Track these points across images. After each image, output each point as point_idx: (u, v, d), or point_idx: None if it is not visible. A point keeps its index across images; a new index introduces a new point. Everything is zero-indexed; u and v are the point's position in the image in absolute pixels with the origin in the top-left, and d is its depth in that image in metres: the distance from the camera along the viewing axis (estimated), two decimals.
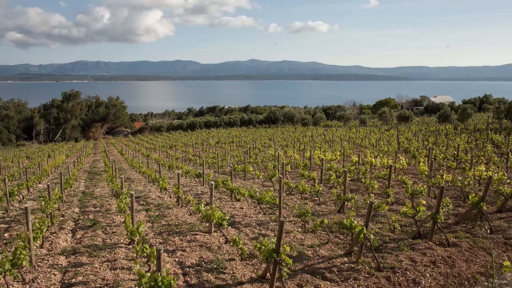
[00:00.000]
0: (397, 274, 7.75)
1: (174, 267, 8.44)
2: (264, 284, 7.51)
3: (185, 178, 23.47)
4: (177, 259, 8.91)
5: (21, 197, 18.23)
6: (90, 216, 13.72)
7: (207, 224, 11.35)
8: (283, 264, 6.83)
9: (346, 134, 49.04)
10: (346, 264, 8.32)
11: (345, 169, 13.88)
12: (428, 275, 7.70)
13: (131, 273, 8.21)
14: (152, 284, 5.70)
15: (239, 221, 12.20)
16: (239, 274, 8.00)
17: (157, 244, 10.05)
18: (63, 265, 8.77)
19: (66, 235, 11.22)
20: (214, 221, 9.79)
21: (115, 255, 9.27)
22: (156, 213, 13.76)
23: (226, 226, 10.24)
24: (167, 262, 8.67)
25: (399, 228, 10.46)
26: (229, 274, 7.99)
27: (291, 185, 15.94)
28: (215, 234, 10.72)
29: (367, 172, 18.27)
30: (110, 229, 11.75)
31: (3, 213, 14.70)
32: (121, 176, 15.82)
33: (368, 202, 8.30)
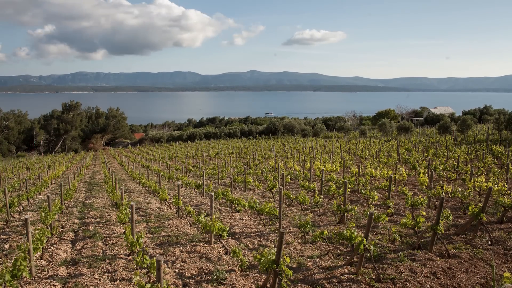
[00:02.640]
0: (397, 285, 7.74)
1: (174, 278, 8.44)
2: None
3: (185, 189, 23.47)
4: (177, 270, 8.90)
5: (21, 208, 18.22)
6: (90, 227, 13.71)
7: (207, 235, 11.35)
8: (283, 275, 6.83)
9: (346, 145, 49.07)
10: (346, 275, 8.32)
11: (345, 180, 13.90)
12: (428, 286, 7.69)
13: (131, 284, 8.21)
14: None
15: (239, 232, 12.19)
16: (239, 285, 7.99)
17: (157, 255, 10.05)
18: (63, 276, 8.76)
19: (66, 246, 11.21)
20: (214, 232, 9.80)
21: (115, 266, 9.27)
22: (156, 224, 13.75)
23: (226, 237, 10.23)
24: (167, 273, 8.67)
25: (399, 239, 10.46)
26: (229, 285, 7.99)
27: (291, 196, 15.94)
28: (215, 245, 10.71)
29: (367, 183, 18.28)
30: (110, 240, 11.74)
31: (3, 224, 14.70)
32: (121, 187, 15.84)
33: (368, 213, 8.32)
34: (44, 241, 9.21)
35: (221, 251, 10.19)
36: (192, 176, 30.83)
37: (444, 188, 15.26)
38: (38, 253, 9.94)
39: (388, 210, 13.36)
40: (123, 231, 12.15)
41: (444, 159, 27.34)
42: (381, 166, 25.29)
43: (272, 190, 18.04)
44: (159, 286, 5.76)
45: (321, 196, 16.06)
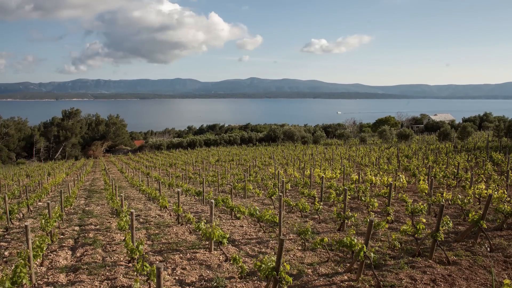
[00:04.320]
0: None
1: (174, 285, 8.43)
2: None
3: (185, 196, 23.46)
4: (177, 277, 8.90)
5: (21, 215, 18.21)
6: (90, 234, 13.70)
7: (207, 242, 11.35)
8: (283, 282, 6.83)
9: (346, 152, 49.10)
10: (346, 282, 8.31)
11: (345, 187, 13.91)
12: None
13: None
14: None
15: (239, 239, 12.19)
16: None
17: (157, 262, 10.04)
18: (63, 283, 8.75)
19: (66, 253, 11.21)
20: (214, 239, 9.80)
21: (115, 273, 9.26)
22: (156, 231, 13.75)
23: (226, 244, 10.24)
24: (167, 280, 8.67)
25: (399, 246, 10.45)
26: None
27: (291, 203, 15.94)
28: (215, 252, 10.71)
29: (367, 190, 18.28)
30: (110, 247, 11.74)
31: (3, 231, 14.70)
32: (121, 194, 15.84)
33: (368, 220, 8.32)
34: (44, 248, 9.21)
35: (221, 258, 10.19)
36: (192, 183, 30.83)
37: (444, 195, 15.26)
38: (38, 260, 9.94)
39: (388, 217, 13.36)
40: (123, 238, 12.15)
41: (444, 166, 27.35)
42: (381, 173, 25.30)
43: (272, 197, 18.04)
44: None
45: (321, 203, 16.06)
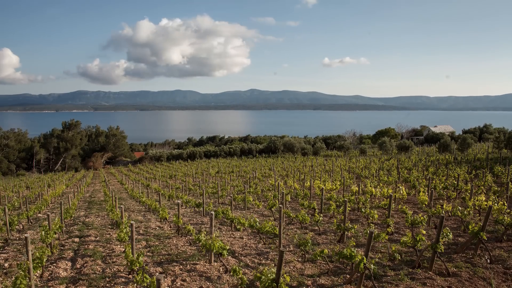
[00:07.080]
0: None
1: None
2: None
3: (185, 208, 23.44)
4: None
5: (21, 227, 18.20)
6: (89, 245, 13.69)
7: (207, 254, 11.34)
8: None
9: (346, 163, 49.08)
10: None
11: (345, 199, 13.92)
12: None
13: None
14: None
15: (239, 251, 12.18)
16: None
17: (157, 273, 10.03)
18: None
19: (66, 265, 11.20)
20: (214, 250, 9.81)
21: (115, 285, 9.26)
22: (156, 243, 13.74)
23: (226, 255, 10.24)
24: None
25: (399, 257, 10.45)
26: None
27: (291, 214, 15.93)
28: (215, 263, 10.71)
29: (367, 202, 18.28)
30: (110, 259, 11.73)
31: (3, 243, 14.69)
32: (121, 205, 15.84)
33: (368, 231, 8.33)
34: (44, 260, 9.22)
35: (221, 269, 10.19)
36: (192, 195, 30.81)
37: (444, 206, 15.27)
38: (38, 271, 9.94)
39: (388, 229, 13.36)
40: (123, 249, 12.15)
41: (444, 177, 27.35)
42: (381, 184, 25.30)
43: (272, 209, 18.04)
44: None
45: (321, 214, 16.06)
